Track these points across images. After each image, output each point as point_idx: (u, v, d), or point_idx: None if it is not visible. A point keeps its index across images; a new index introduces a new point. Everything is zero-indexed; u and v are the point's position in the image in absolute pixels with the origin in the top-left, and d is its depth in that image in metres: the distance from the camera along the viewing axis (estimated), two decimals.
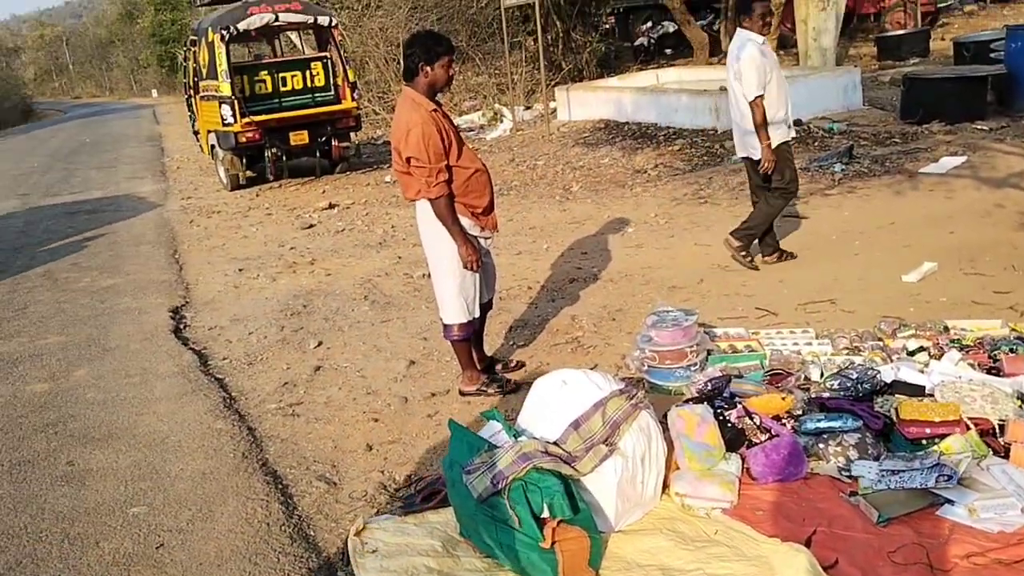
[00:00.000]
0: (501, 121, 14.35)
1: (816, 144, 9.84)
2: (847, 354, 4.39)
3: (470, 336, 4.53)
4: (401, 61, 15.18)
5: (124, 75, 58.06)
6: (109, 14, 63.29)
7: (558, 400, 3.34)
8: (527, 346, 5.23)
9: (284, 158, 11.89)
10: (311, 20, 11.90)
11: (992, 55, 11.28)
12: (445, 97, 16.91)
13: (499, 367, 4.85)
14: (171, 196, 12.61)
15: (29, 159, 20.17)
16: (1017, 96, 10.07)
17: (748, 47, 5.71)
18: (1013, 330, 4.45)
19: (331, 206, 10.25)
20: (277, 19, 11.61)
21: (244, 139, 11.36)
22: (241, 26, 11.38)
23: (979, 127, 9.60)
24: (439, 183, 4.13)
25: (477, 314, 4.50)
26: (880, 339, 4.56)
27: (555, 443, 3.22)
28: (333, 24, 12.02)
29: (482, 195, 4.40)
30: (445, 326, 4.49)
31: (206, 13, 15.03)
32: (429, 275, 6.77)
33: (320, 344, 5.59)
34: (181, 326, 6.36)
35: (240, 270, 7.78)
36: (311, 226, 9.38)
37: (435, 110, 4.20)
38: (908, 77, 10.63)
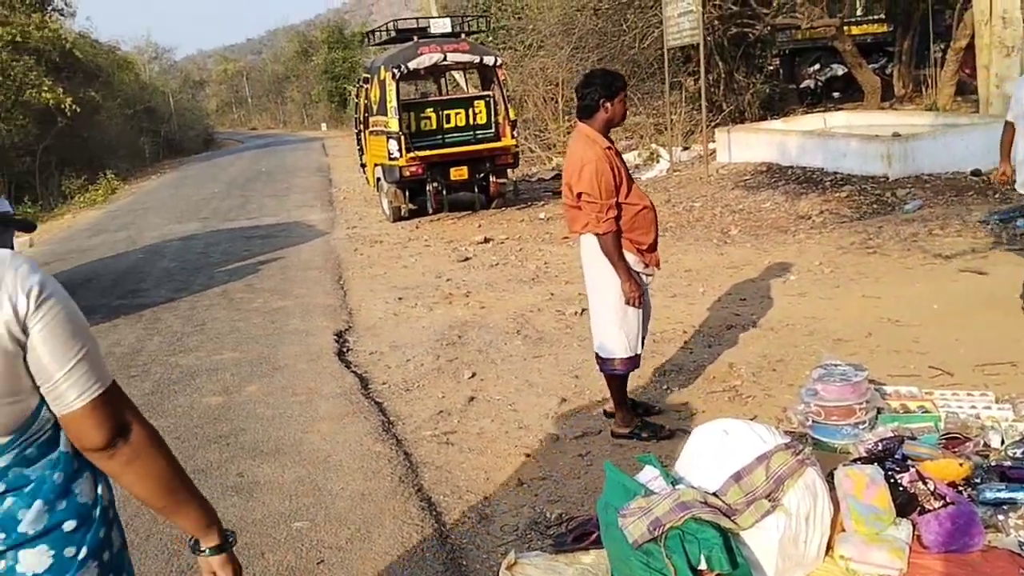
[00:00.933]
0: (658, 161, 14.29)
1: (996, 196, 9.27)
2: None
3: (629, 372, 4.51)
4: (559, 100, 15.39)
5: (297, 109, 61.48)
6: (287, 51, 67.31)
7: (719, 450, 3.26)
8: (681, 391, 5.14)
9: (444, 192, 12.26)
10: (477, 60, 12.26)
11: None
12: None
13: (653, 411, 4.80)
14: (338, 225, 13.22)
15: (210, 185, 21.67)
16: None
17: None
18: None
19: (486, 240, 10.47)
20: (445, 59, 12.04)
21: (408, 173, 11.79)
22: (412, 65, 11.86)
23: None
24: (608, 219, 4.20)
25: (640, 350, 4.50)
26: None
27: (715, 494, 3.14)
28: (498, 64, 12.34)
29: (648, 232, 4.42)
30: (604, 359, 4.49)
31: (377, 52, 15.73)
32: (582, 312, 6.88)
33: (474, 375, 5.69)
34: (344, 349, 6.63)
35: (400, 298, 8.04)
36: (467, 259, 9.59)
37: (609, 147, 4.30)
38: None
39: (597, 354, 4.55)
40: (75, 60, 27.80)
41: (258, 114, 73.79)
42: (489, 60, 12.26)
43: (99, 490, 1.74)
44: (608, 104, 4.27)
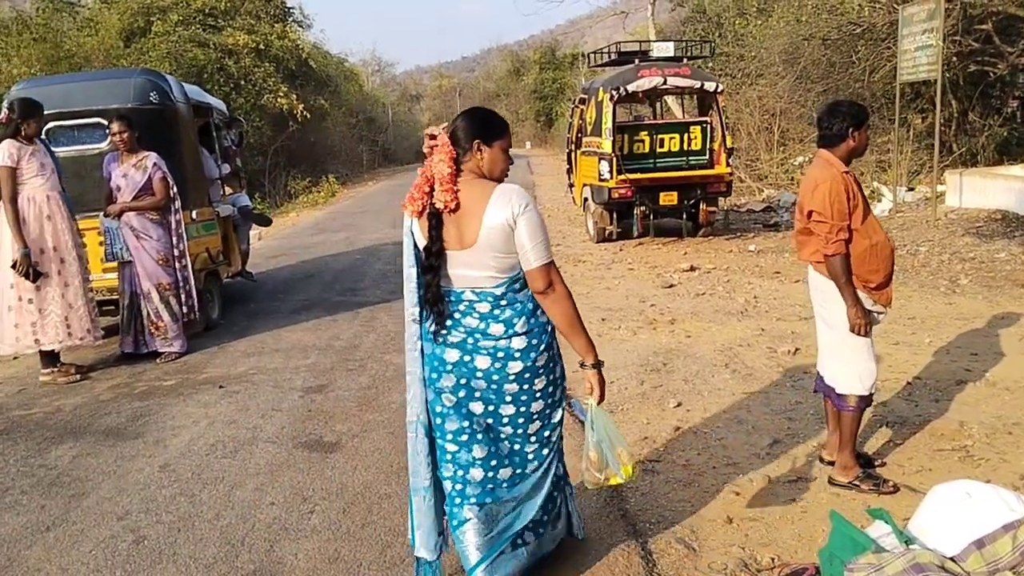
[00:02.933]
0: (879, 200, 13.59)
1: None
2: None
3: (863, 411, 4.33)
4: (774, 130, 14.98)
5: None
6: (499, 70, 69.45)
7: (961, 513, 3.03)
8: (905, 445, 4.82)
9: (651, 216, 12.19)
10: (698, 85, 12.14)
11: None
12: None
13: (875, 463, 4.54)
14: None
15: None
16: None
17: None
18: None
19: (692, 268, 10.31)
20: (665, 82, 12.00)
21: (617, 195, 11.82)
22: (631, 87, 11.91)
23: None
24: (838, 240, 4.08)
25: (874, 388, 4.31)
26: None
27: (952, 559, 2.93)
28: (719, 90, 12.16)
29: (880, 268, 4.23)
30: (840, 396, 4.31)
31: (592, 74, 15.91)
32: (795, 352, 6.63)
33: (679, 405, 5.59)
34: None
35: (603, 320, 8.05)
36: (671, 286, 9.48)
37: (847, 172, 4.21)
38: None
39: (831, 389, 4.37)
40: (309, 69, 29.90)
41: None
42: (710, 86, 12.11)
43: (547, 318, 3.15)
44: (856, 133, 4.21)
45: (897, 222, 12.18)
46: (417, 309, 3.14)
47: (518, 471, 3.19)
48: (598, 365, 3.19)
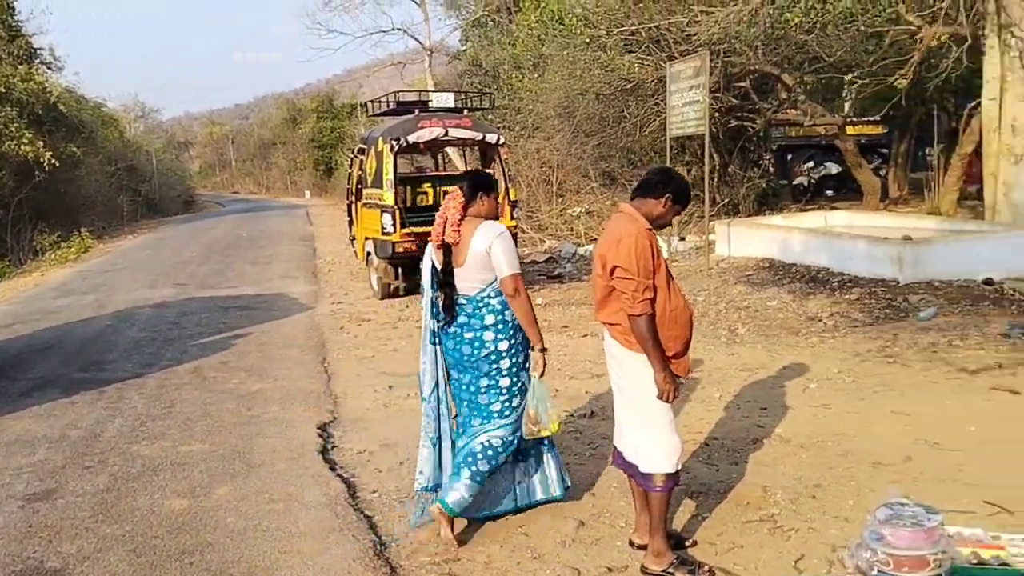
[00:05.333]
0: None
1: (1013, 308, 8.90)
2: None
3: (672, 490, 4.02)
4: (552, 182, 15.01)
5: (281, 175, 61.36)
6: (274, 118, 67.54)
7: None
8: (712, 518, 4.56)
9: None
10: (480, 137, 11.93)
11: None
12: (595, 223, 16.71)
13: (686, 543, 4.22)
14: (322, 299, 12.65)
15: (188, 249, 21.04)
16: None
17: None
18: None
19: None
20: (447, 134, 11.70)
21: (401, 249, 11.32)
22: (412, 138, 11.50)
23: None
24: (644, 299, 3.79)
25: (680, 464, 4.01)
26: None
27: None
28: (501, 142, 12.02)
29: (679, 335, 3.99)
30: (646, 476, 3.96)
31: (371, 124, 15.45)
32: (591, 415, 6.32)
33: None
34: (329, 446, 5.99)
35: (390, 387, 7.44)
36: None
37: (650, 230, 3.96)
38: None
39: (634, 467, 4.01)
40: (59, 114, 27.41)
41: (241, 178, 73.67)
42: (492, 138, 11.93)
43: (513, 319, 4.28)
44: (670, 204, 4.00)
45: (673, 271, 12.45)
46: (430, 314, 4.44)
47: (486, 422, 4.39)
48: (543, 350, 4.36)
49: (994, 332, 8.06)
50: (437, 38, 45.64)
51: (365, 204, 12.64)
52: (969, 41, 11.09)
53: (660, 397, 3.85)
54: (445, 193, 11.88)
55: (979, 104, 12.06)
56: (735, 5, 12.18)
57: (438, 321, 4.40)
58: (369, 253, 12.50)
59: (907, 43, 12.03)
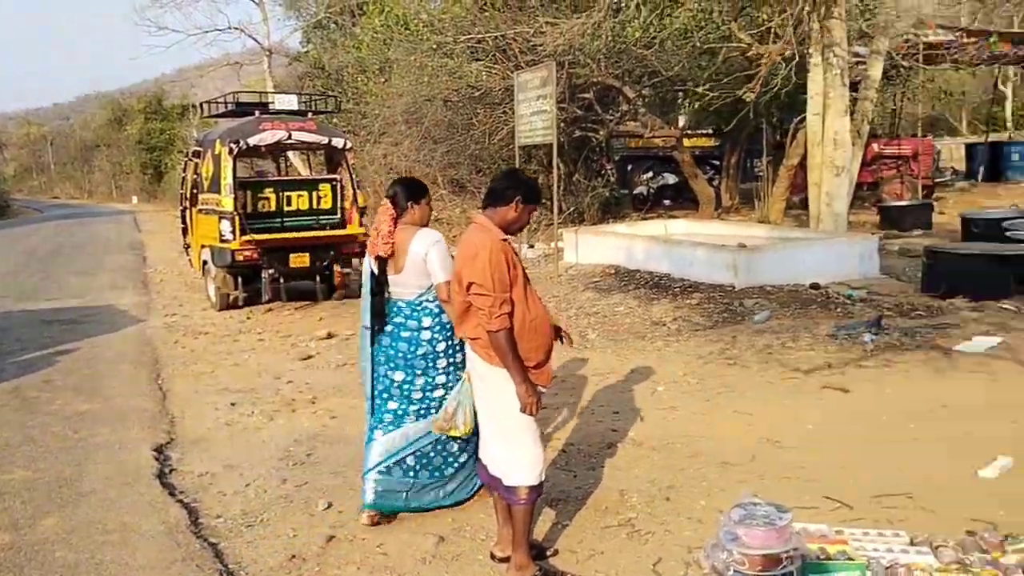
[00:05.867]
0: None
1: (838, 311, 9.47)
2: (957, 570, 3.80)
3: (535, 503, 3.98)
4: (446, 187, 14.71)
5: (105, 179, 58.08)
6: (98, 118, 63.82)
7: None
8: (572, 525, 4.56)
9: (282, 280, 11.32)
10: (325, 141, 11.62)
11: (1007, 233, 11.17)
12: (444, 230, 16.64)
13: (548, 553, 4.20)
14: (154, 311, 11.94)
15: (3, 259, 19.45)
16: None
17: None
18: None
19: (330, 335, 9.64)
20: (290, 137, 11.32)
21: (241, 257, 10.84)
22: (252, 141, 11.06)
23: (1005, 306, 9.30)
24: (502, 314, 3.74)
25: (543, 475, 3.98)
26: (987, 551, 3.97)
27: None
28: (348, 147, 11.74)
29: (541, 345, 3.97)
30: (510, 489, 3.91)
31: (204, 126, 14.79)
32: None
33: (330, 506, 4.88)
34: (166, 469, 5.60)
35: (232, 404, 7.07)
36: (309, 357, 8.73)
37: (506, 240, 3.90)
38: (931, 250, 10.44)
39: (498, 480, 3.95)
40: None
41: (62, 182, 69.26)
42: (338, 142, 11.64)
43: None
44: (523, 206, 3.94)
45: None
46: (368, 317, 4.63)
47: (420, 420, 4.60)
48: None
49: (822, 333, 8.53)
50: (277, 39, 44.31)
51: (201, 210, 12.04)
52: (796, 59, 11.75)
53: (523, 411, 3.81)
54: (288, 198, 11.68)
55: (804, 119, 12.80)
56: (579, 18, 12.43)
57: (375, 325, 4.62)
58: (206, 262, 11.91)
59: (739, 60, 12.63)
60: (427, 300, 4.48)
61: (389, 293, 4.54)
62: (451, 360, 4.54)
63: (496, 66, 14.54)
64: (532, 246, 14.58)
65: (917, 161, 17.79)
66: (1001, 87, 30.16)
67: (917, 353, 7.85)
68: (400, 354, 4.53)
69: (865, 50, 13.60)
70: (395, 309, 4.54)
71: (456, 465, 4.67)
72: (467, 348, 4.06)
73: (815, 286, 10.30)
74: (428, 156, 16.54)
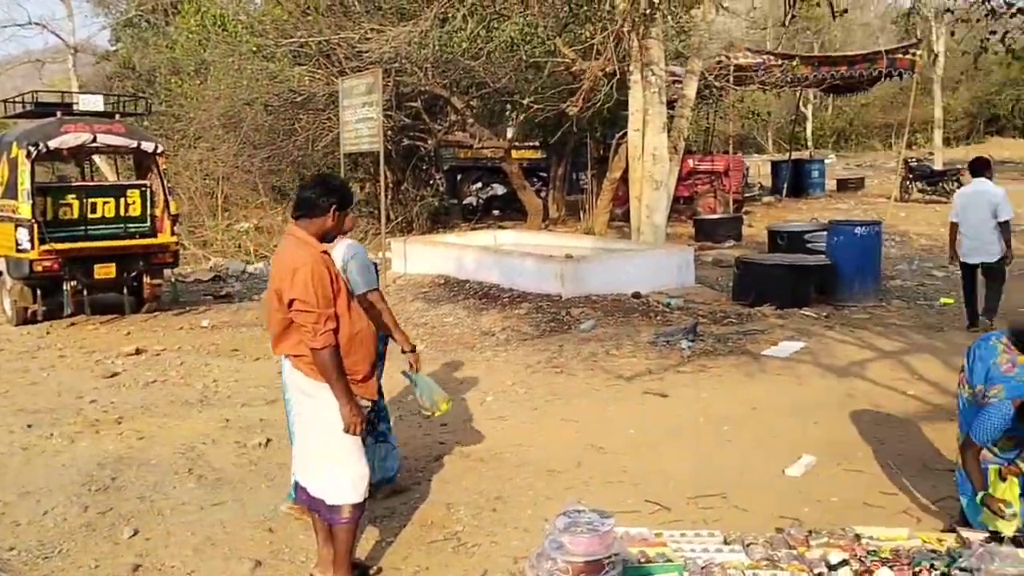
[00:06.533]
0: None
1: (658, 319, 9.84)
2: (767, 566, 3.97)
3: (358, 521, 3.89)
4: (217, 196, 14.24)
5: None
6: None
7: None
8: (399, 542, 4.47)
9: (85, 292, 10.54)
10: (135, 144, 10.92)
11: (808, 245, 11.99)
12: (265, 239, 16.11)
13: (371, 572, 4.07)
14: None
15: None
16: (837, 286, 10.62)
17: (993, 186, 9.02)
18: (924, 542, 4.20)
19: (139, 351, 9.05)
20: (95, 140, 10.57)
21: (40, 268, 10.00)
22: (52, 144, 10.24)
23: (807, 313, 9.97)
24: (327, 331, 3.61)
25: (367, 492, 3.88)
26: (793, 547, 4.18)
27: None
28: (159, 151, 11.09)
29: (366, 358, 3.89)
30: (331, 508, 3.79)
31: (5, 127, 13.66)
32: (267, 443, 5.97)
33: (136, 533, 4.55)
34: None
35: (29, 426, 6.48)
36: (115, 374, 8.15)
37: (325, 252, 3.78)
38: (741, 260, 11.03)
39: (321, 502, 3.80)
40: None
41: None
42: (148, 146, 10.96)
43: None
44: (338, 214, 3.82)
45: None
46: None
47: None
48: (413, 349, 4.85)
49: (644, 341, 8.83)
50: (83, 36, 41.66)
51: None
52: (617, 76, 12.15)
53: (347, 430, 3.71)
54: (93, 205, 10.90)
55: (626, 134, 13.25)
56: (405, 26, 12.35)
57: None
58: (0, 273, 10.94)
59: (564, 74, 12.94)
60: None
61: None
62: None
63: (320, 71, 14.22)
64: None
65: (729, 177, 18.75)
66: (803, 108, 32.47)
67: (729, 358, 8.26)
68: None
69: (681, 70, 14.24)
70: None
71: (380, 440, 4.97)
72: (286, 366, 3.90)
73: (637, 295, 10.66)
74: (247, 162, 15.97)
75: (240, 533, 4.55)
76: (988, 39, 7.99)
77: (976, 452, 4.11)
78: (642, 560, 4.02)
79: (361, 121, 12.21)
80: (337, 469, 3.80)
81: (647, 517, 4.72)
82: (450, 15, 11.91)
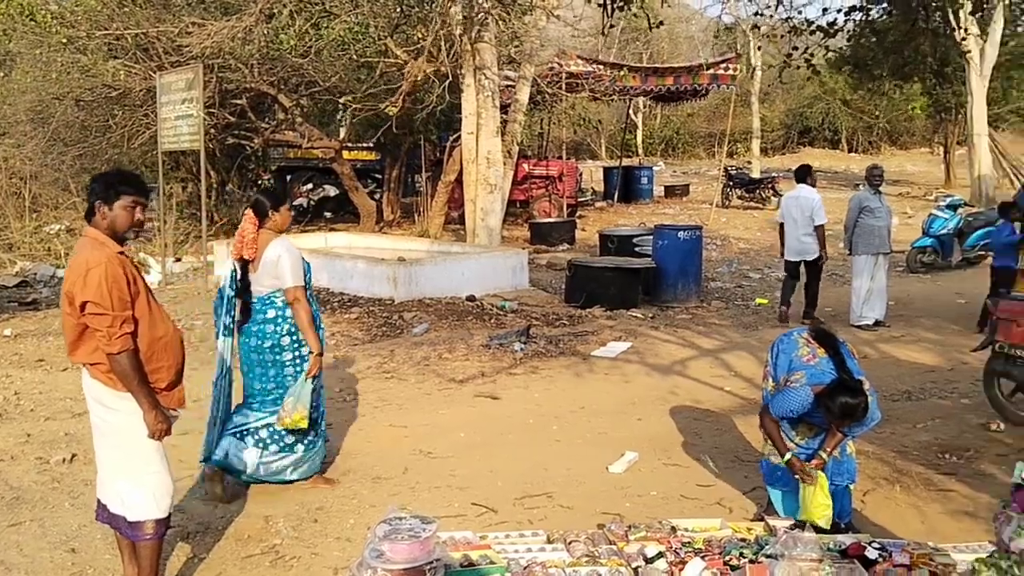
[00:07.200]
0: (148, 272, 12.95)
1: (492, 321, 9.89)
2: (587, 562, 4.02)
3: (163, 537, 3.70)
4: (24, 195, 13.38)
5: None
6: None
7: None
8: (212, 558, 4.24)
9: None
10: None
11: (636, 249, 12.38)
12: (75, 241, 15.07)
13: None
14: None
15: None
16: (662, 288, 11.03)
17: (813, 192, 9.83)
18: (735, 531, 4.39)
19: None
20: None
21: None
22: None
23: (634, 314, 10.29)
24: (123, 335, 3.41)
25: (172, 507, 3.71)
26: (613, 542, 4.26)
27: None
28: None
29: (171, 365, 3.70)
30: (133, 524, 3.58)
31: None
32: (72, 459, 5.55)
33: None
34: None
35: None
36: None
37: (121, 253, 3.55)
38: (572, 263, 11.25)
39: (122, 519, 3.56)
40: None
41: None
42: None
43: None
44: (105, 208, 3.54)
45: (169, 295, 11.69)
46: (227, 312, 4.92)
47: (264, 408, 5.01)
48: (320, 354, 4.94)
49: (477, 344, 8.84)
50: None
51: None
52: (449, 79, 12.13)
53: (151, 437, 3.50)
54: None
55: (460, 137, 13.26)
56: (228, 21, 11.88)
57: (233, 319, 4.97)
58: None
59: (396, 75, 12.80)
60: (274, 296, 4.94)
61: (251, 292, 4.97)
62: (295, 354, 5.00)
63: (137, 65, 13.42)
64: (179, 259, 13.67)
65: (563, 181, 19.14)
66: (633, 117, 33.65)
67: (560, 359, 8.40)
68: (252, 348, 4.99)
69: (515, 75, 14.39)
70: (252, 304, 4.99)
71: (305, 442, 5.10)
72: (84, 375, 3.62)
73: (471, 298, 10.68)
74: (58, 160, 14.91)
75: (39, 556, 4.20)
76: (791, 55, 8.49)
77: (772, 419, 4.36)
78: (465, 564, 3.99)
79: (181, 118, 11.66)
80: (140, 482, 3.59)
81: (473, 520, 4.71)
82: (276, 11, 11.54)
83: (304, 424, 4.86)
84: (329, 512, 4.81)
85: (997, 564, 2.34)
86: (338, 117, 14.72)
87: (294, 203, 19.15)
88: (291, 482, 5.10)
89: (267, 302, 4.95)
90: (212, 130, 13.62)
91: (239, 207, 15.69)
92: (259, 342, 4.96)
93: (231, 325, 4.99)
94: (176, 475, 5.08)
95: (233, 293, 4.96)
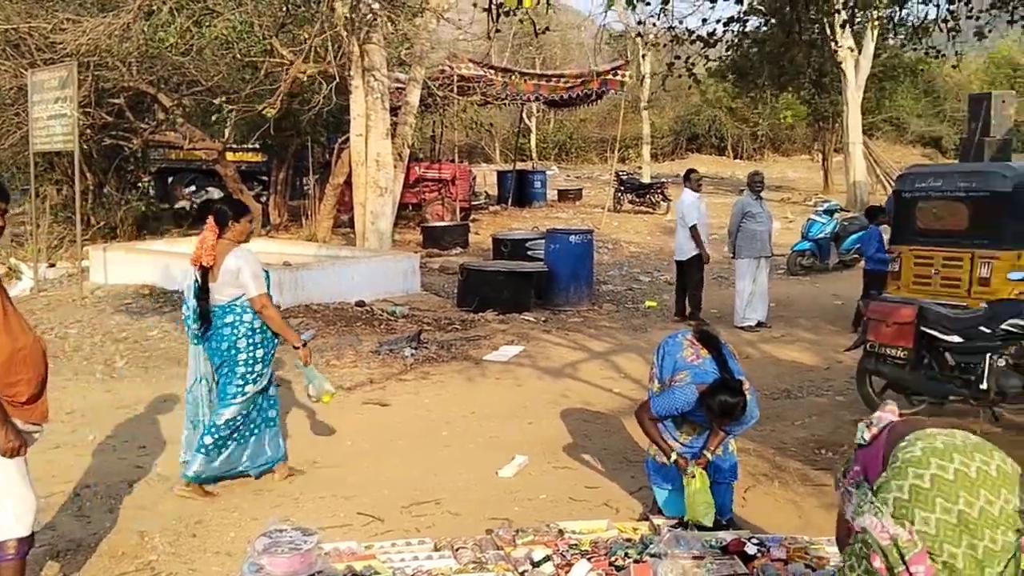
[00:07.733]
0: (20, 279, 12.27)
1: (382, 327, 9.77)
2: (474, 569, 4.00)
3: (27, 553, 3.46)
4: None
5: None
6: None
7: None
8: None
9: None
10: None
11: (528, 252, 12.46)
12: None
13: None
14: None
15: None
16: (555, 291, 11.12)
17: (689, 195, 10.25)
18: (621, 532, 4.44)
19: None
20: None
21: None
22: None
23: (527, 318, 10.34)
24: None
25: (37, 524, 3.49)
26: (500, 547, 4.25)
27: None
28: None
29: (32, 378, 3.43)
30: None
31: None
32: None
33: None
34: None
35: None
36: None
37: None
38: (464, 267, 11.23)
39: None
40: None
41: None
42: None
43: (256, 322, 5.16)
44: None
45: (42, 302, 11.11)
46: (194, 320, 5.15)
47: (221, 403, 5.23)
48: (305, 345, 5.27)
49: (366, 350, 8.72)
50: None
51: None
52: (337, 80, 11.93)
53: (4, 454, 3.27)
54: None
55: (349, 139, 13.05)
56: (105, 17, 11.37)
57: (197, 326, 5.14)
58: None
59: (282, 75, 12.50)
60: (234, 303, 5.10)
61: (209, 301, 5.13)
62: (249, 355, 5.15)
63: (7, 62, 12.70)
64: (53, 265, 13.00)
65: (456, 185, 19.06)
66: (527, 121, 33.86)
67: (452, 364, 8.37)
68: (215, 351, 5.16)
69: (405, 77, 14.26)
70: (213, 312, 5.13)
71: (256, 430, 5.35)
72: None
73: (360, 303, 10.52)
74: None
75: None
76: (673, 64, 8.68)
77: (652, 419, 4.44)
78: (348, 575, 3.90)
79: (54, 118, 11.10)
80: (0, 500, 3.35)
81: (359, 530, 4.62)
82: (156, 8, 11.11)
83: (328, 399, 5.47)
84: (208, 526, 4.64)
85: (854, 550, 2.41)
86: (218, 117, 14.24)
87: (176, 206, 18.52)
88: (265, 468, 5.39)
89: (228, 309, 5.13)
90: (88, 130, 13.00)
91: (117, 210, 15.09)
92: (218, 344, 5.15)
93: (199, 332, 5.19)
94: (48, 490, 4.90)
95: (196, 302, 5.15)
